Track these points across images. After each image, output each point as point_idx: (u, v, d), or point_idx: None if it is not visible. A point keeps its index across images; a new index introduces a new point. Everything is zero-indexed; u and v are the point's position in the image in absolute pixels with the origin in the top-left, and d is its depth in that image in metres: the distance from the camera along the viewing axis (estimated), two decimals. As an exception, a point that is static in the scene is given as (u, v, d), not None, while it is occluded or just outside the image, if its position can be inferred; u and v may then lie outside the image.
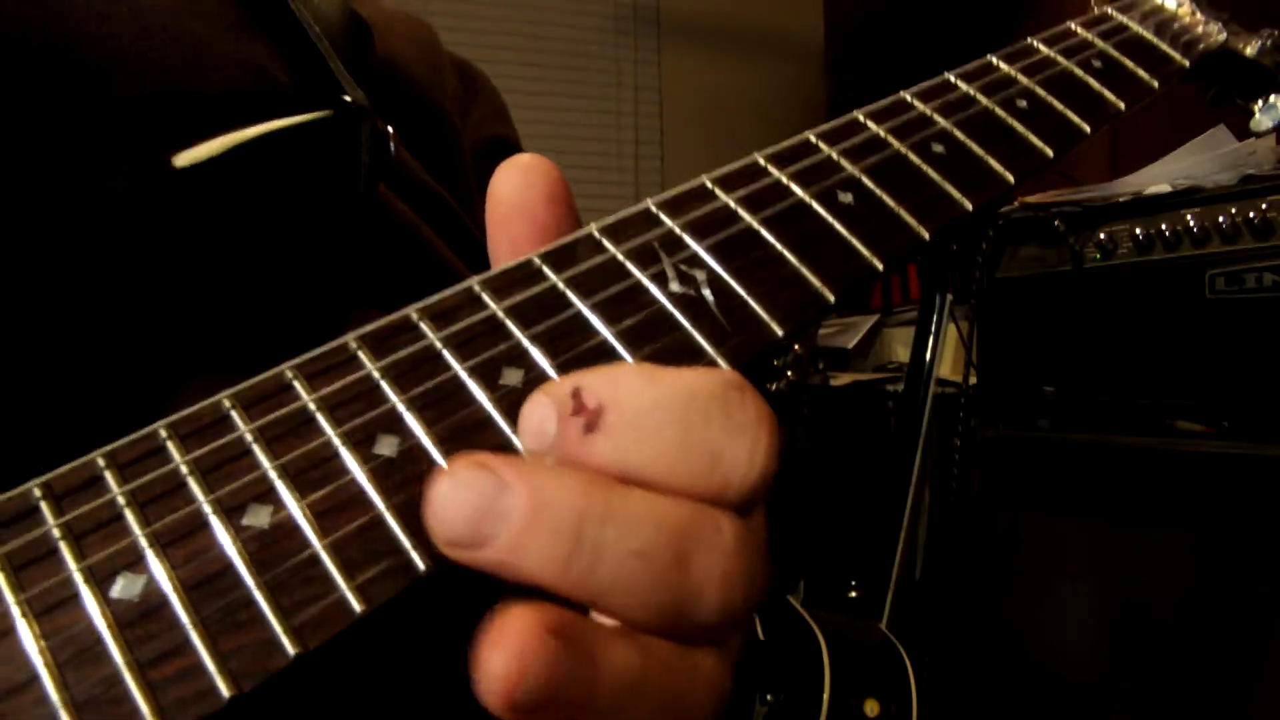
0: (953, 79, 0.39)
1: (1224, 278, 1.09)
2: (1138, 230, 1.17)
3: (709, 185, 0.32)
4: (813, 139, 0.34)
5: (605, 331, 0.27)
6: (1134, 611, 1.16)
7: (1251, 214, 1.07)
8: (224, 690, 0.21)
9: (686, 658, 0.23)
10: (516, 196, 0.28)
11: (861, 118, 0.36)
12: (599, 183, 2.56)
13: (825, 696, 0.56)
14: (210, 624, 0.21)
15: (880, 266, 0.31)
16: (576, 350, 0.26)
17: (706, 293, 0.28)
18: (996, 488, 1.32)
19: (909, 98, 0.37)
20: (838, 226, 0.31)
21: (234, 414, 0.24)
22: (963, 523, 1.34)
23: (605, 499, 0.21)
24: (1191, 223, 1.12)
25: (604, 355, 0.27)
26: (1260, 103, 0.53)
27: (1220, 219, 1.10)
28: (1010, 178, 0.35)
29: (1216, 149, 1.21)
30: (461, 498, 0.21)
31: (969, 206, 0.34)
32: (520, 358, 0.26)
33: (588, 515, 0.21)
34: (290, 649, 0.21)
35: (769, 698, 0.55)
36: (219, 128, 0.31)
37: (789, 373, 1.42)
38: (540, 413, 0.23)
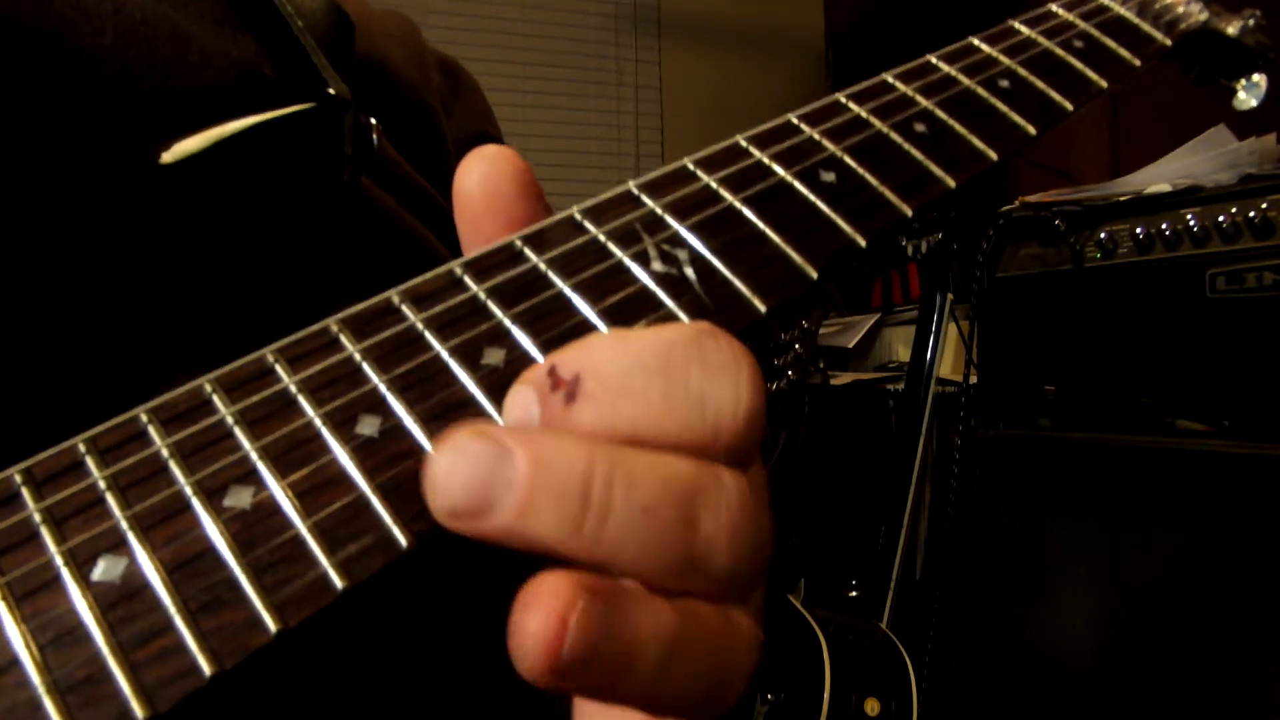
0: (934, 60, 0.39)
1: (1224, 277, 1.09)
2: (1138, 229, 1.17)
3: (690, 167, 0.32)
4: (794, 120, 0.34)
5: (587, 310, 0.27)
6: (1134, 611, 1.16)
7: (1251, 213, 1.07)
8: (206, 668, 0.21)
9: (723, 615, 0.23)
10: (482, 188, 0.28)
11: (843, 99, 0.36)
12: (600, 183, 2.56)
13: (826, 695, 0.56)
14: (192, 604, 0.21)
15: (863, 243, 0.31)
16: (559, 329, 0.26)
17: (689, 271, 0.28)
18: (996, 487, 1.32)
19: (890, 79, 0.37)
20: (820, 204, 0.31)
21: (215, 398, 0.24)
22: (963, 522, 1.34)
23: (609, 457, 0.21)
24: (1192, 222, 1.12)
25: (586, 334, 0.26)
26: (1243, 81, 0.53)
27: (1220, 218, 1.09)
28: (993, 155, 0.35)
29: (1217, 148, 1.21)
30: (462, 466, 0.21)
31: (951, 184, 0.34)
32: (502, 338, 0.26)
33: (593, 474, 0.21)
34: (272, 626, 0.21)
35: (769, 697, 0.55)
36: (204, 122, 0.31)
37: (790, 372, 1.42)
38: (523, 399, 0.23)
